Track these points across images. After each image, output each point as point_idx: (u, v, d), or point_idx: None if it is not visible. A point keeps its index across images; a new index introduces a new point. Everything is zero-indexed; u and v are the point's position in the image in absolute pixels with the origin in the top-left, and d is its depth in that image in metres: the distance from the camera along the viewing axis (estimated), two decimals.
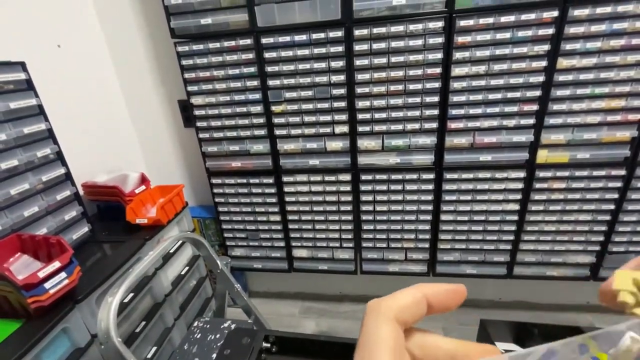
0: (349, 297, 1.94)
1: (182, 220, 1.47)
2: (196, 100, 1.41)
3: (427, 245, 1.52)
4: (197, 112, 1.43)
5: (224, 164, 1.52)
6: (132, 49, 1.57)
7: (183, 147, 1.74)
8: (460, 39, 1.17)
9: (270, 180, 1.51)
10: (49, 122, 1.09)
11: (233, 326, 1.05)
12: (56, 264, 0.86)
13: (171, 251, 1.37)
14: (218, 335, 1.02)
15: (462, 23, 1.14)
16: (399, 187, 1.43)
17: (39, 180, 1.05)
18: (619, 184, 1.28)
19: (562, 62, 1.15)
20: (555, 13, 1.09)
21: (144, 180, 1.40)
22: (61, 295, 0.88)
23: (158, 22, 1.48)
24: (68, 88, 1.36)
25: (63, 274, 0.88)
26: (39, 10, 1.26)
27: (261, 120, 1.40)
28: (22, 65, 1.01)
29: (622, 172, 1.26)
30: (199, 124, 1.45)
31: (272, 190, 1.53)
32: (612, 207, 1.32)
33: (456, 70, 1.21)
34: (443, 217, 1.45)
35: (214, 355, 0.79)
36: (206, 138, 1.47)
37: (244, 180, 1.53)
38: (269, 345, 0.69)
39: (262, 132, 1.42)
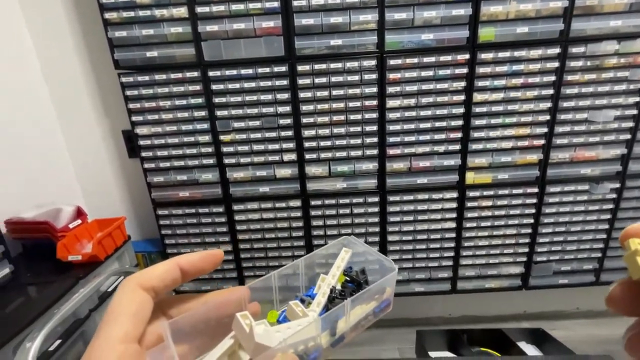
0: None
1: (123, 256, 1.39)
2: (141, 130, 1.39)
3: None
4: (142, 142, 1.40)
5: (171, 194, 1.48)
6: (71, 79, 1.52)
7: (127, 179, 1.67)
8: (392, 75, 1.31)
9: (221, 209, 1.49)
10: None
11: None
12: None
13: (109, 290, 1.27)
14: None
15: (392, 62, 1.29)
16: (347, 210, 1.49)
17: None
18: (534, 200, 1.46)
19: (477, 96, 1.33)
20: (467, 55, 1.28)
21: (80, 214, 1.31)
22: None
23: (100, 53, 1.46)
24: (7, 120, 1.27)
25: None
26: None
27: (209, 150, 1.41)
28: None
29: (536, 190, 1.45)
30: (144, 154, 1.42)
31: (223, 219, 1.51)
32: (531, 220, 1.49)
33: (390, 103, 1.34)
34: (390, 238, 1.53)
35: None
36: (152, 168, 1.44)
37: (193, 210, 1.49)
38: None
39: (211, 160, 1.43)
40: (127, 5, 1.24)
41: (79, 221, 1.28)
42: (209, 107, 1.35)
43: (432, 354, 0.97)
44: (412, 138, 1.38)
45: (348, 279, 0.30)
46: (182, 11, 1.24)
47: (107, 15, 1.24)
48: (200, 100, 1.35)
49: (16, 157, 1.34)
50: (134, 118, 1.37)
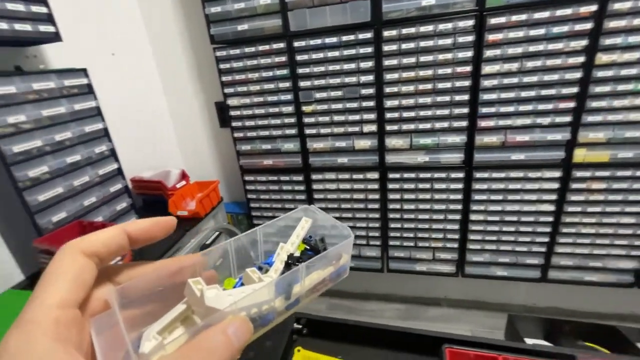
0: (375, 295, 1.95)
1: (217, 215, 1.57)
2: (232, 101, 1.50)
3: (455, 245, 1.51)
4: (232, 113, 1.52)
5: (257, 162, 1.60)
6: (174, 56, 1.70)
7: (218, 146, 1.85)
8: (491, 37, 1.16)
9: (300, 178, 1.57)
10: (105, 122, 1.21)
11: None
12: None
13: (207, 242, 1.46)
14: None
15: (493, 21, 1.14)
16: (427, 185, 1.43)
17: (96, 173, 1.18)
18: None
19: (602, 58, 1.11)
20: (594, 7, 1.06)
21: (184, 176, 1.51)
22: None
23: (198, 30, 1.59)
24: (119, 91, 1.50)
25: (118, 258, 0.98)
26: (98, 22, 1.40)
27: (292, 120, 1.47)
28: (84, 72, 1.14)
29: None
30: (234, 124, 1.54)
31: (302, 188, 1.59)
32: None
33: (487, 69, 1.20)
34: (473, 217, 1.43)
35: None
36: (240, 137, 1.56)
37: (275, 178, 1.60)
38: (300, 326, 0.73)
39: (293, 131, 1.49)
40: None
41: (184, 182, 1.48)
42: (293, 78, 1.39)
43: (528, 340, 0.91)
44: (510, 108, 1.23)
45: (308, 247, 0.30)
46: None
47: None
48: (285, 72, 1.39)
49: (135, 127, 1.57)
50: (225, 90, 1.49)
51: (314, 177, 1.55)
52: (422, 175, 1.42)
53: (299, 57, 1.35)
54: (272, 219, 0.30)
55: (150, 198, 1.52)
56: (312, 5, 1.27)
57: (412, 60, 1.25)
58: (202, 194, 1.43)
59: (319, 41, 1.31)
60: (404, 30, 1.22)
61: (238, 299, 0.21)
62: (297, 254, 0.29)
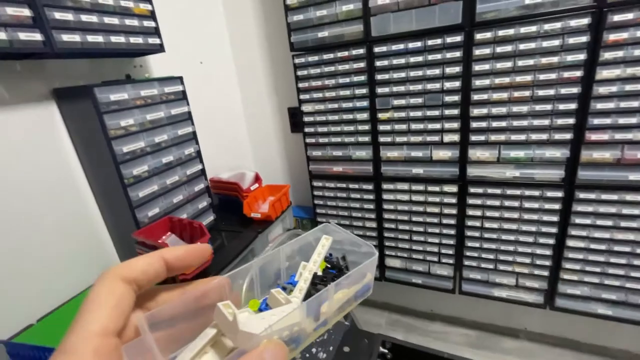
0: (441, 316, 1.82)
1: (285, 218, 1.60)
2: (306, 107, 1.52)
3: (545, 273, 1.33)
4: (306, 119, 1.53)
5: (326, 168, 1.59)
6: (252, 63, 1.78)
7: (288, 151, 1.89)
8: (612, 37, 1.00)
9: (370, 187, 1.52)
10: (194, 125, 1.30)
11: (347, 324, 1.06)
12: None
13: (270, 244, 1.49)
14: (333, 331, 1.05)
15: (616, 18, 0.98)
16: (515, 203, 1.28)
17: (184, 173, 1.27)
18: None
19: None
20: None
21: (257, 179, 1.56)
22: (199, 271, 1.03)
23: (277, 38, 1.64)
24: (204, 97, 1.61)
25: None
26: (190, 33, 1.52)
27: (366, 127, 1.43)
28: (180, 79, 1.24)
29: None
30: (306, 129, 1.55)
31: (371, 197, 1.54)
32: None
33: (603, 73, 1.03)
34: (570, 243, 1.25)
35: (331, 348, 0.82)
36: (312, 143, 1.57)
37: (344, 185, 1.57)
38: (385, 350, 0.69)
39: (366, 138, 1.45)
40: None
41: (257, 185, 1.53)
42: (370, 84, 1.35)
43: None
44: (632, 120, 1.04)
45: (329, 265, 0.30)
46: None
47: (289, 1, 1.36)
48: (362, 78, 1.36)
49: (215, 130, 1.68)
50: (301, 96, 1.51)
51: (385, 186, 1.49)
52: (509, 191, 1.28)
53: (378, 63, 1.31)
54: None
55: (225, 198, 1.60)
56: (396, 9, 1.22)
57: (507, 64, 1.13)
58: (274, 197, 1.46)
59: (401, 46, 1.25)
60: (501, 32, 1.11)
61: (273, 323, 0.21)
62: (319, 272, 0.28)
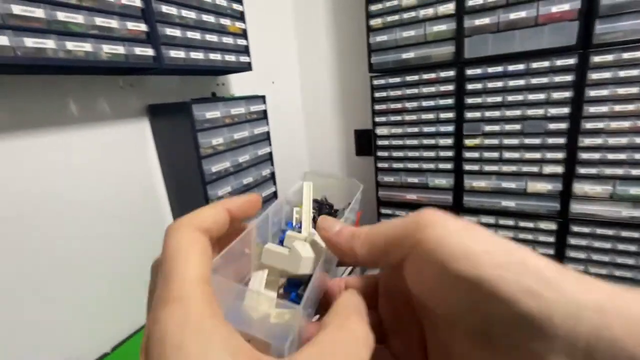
0: None
1: None
2: (381, 130, 1.44)
3: None
4: (379, 142, 1.45)
5: (398, 195, 1.48)
6: (319, 84, 1.74)
7: (351, 175, 1.81)
8: None
9: None
10: (271, 146, 1.25)
11: None
12: None
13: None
14: None
15: None
16: (633, 247, 1.11)
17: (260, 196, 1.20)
18: None
19: None
20: None
21: None
22: None
23: (348, 59, 1.60)
24: (274, 118, 1.57)
25: None
26: (264, 53, 1.51)
27: (449, 154, 1.32)
28: (263, 98, 1.20)
29: None
30: (379, 153, 1.47)
31: None
32: None
33: None
34: None
35: None
36: (384, 168, 1.48)
37: None
38: None
39: (448, 165, 1.34)
40: (392, 10, 1.27)
41: None
42: (458, 108, 1.26)
43: None
44: None
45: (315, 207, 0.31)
46: (449, 7, 1.18)
47: (372, 22, 1.32)
48: (450, 101, 1.27)
49: (280, 151, 1.63)
50: (377, 119, 1.43)
51: (467, 219, 1.35)
52: (624, 233, 1.11)
53: (469, 86, 1.22)
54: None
55: None
56: (496, 30, 1.14)
57: (632, 90, 1.00)
58: None
59: (499, 69, 1.16)
60: (626, 55, 0.99)
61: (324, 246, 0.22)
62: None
